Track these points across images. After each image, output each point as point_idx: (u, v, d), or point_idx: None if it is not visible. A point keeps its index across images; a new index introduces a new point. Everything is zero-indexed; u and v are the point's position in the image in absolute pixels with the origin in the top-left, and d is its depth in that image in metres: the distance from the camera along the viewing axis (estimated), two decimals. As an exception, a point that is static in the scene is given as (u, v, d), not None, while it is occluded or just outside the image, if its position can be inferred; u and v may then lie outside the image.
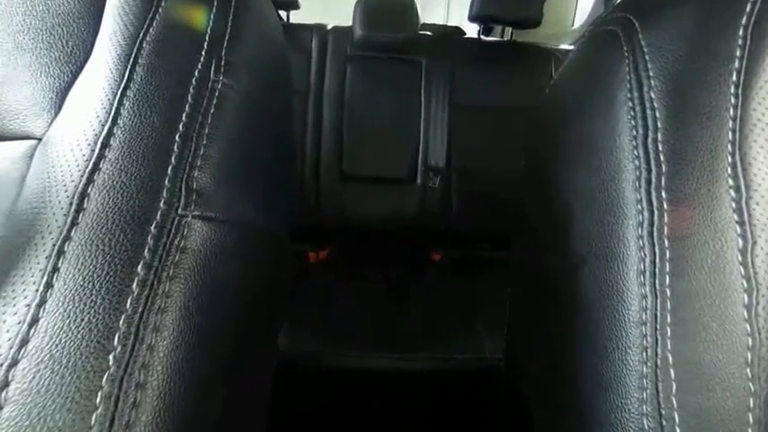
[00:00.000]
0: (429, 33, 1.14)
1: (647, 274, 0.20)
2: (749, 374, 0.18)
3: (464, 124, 1.07)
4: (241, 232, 0.24)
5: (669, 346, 0.19)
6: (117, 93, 0.21)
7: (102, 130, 0.20)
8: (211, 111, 0.22)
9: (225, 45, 0.24)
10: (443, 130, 1.06)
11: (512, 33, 1.19)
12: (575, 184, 0.25)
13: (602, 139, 0.23)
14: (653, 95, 0.22)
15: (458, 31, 1.21)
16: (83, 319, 0.17)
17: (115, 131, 0.20)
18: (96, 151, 0.20)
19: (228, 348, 0.23)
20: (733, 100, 0.20)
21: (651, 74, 0.22)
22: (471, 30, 1.18)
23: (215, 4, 0.24)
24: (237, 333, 0.24)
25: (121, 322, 0.18)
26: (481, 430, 0.70)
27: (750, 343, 0.18)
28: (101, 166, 0.19)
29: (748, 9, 0.20)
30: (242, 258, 0.24)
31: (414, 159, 1.07)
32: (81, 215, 0.19)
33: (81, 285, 0.18)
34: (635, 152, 0.21)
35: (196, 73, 0.22)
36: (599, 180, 0.23)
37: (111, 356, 0.17)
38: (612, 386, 0.21)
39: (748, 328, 0.19)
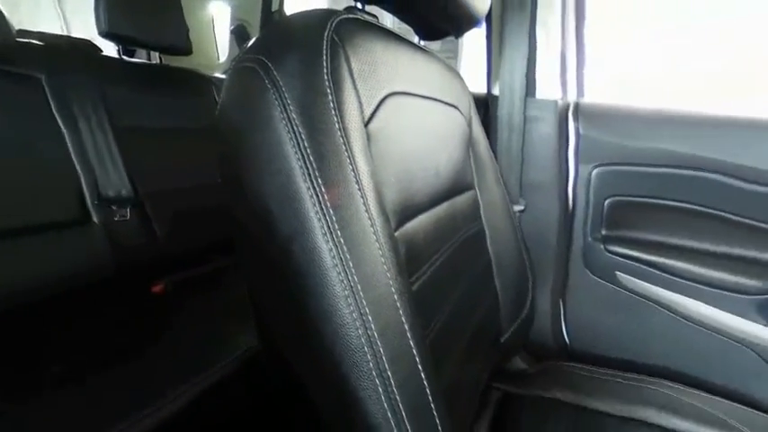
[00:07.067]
0: (39, 42, 0.94)
1: (328, 232, 0.28)
2: (388, 276, 0.31)
3: (137, 148, 0.98)
4: None
5: (354, 271, 0.29)
6: None
7: None
8: None
9: None
10: (114, 157, 0.93)
11: (160, 57, 1.19)
12: (266, 183, 0.30)
13: (274, 148, 0.29)
14: (294, 117, 0.29)
15: (89, 45, 1.06)
16: None
17: None
18: None
19: None
20: (336, 119, 0.29)
21: (289, 101, 0.29)
22: (110, 47, 1.06)
23: None
24: None
25: None
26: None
27: (382, 259, 0.31)
28: None
29: (325, 63, 0.30)
30: None
31: (76, 195, 0.87)
32: None
33: None
34: (296, 155, 0.29)
35: None
36: (282, 178, 0.29)
37: None
38: (334, 311, 0.29)
39: (378, 248, 0.31)
